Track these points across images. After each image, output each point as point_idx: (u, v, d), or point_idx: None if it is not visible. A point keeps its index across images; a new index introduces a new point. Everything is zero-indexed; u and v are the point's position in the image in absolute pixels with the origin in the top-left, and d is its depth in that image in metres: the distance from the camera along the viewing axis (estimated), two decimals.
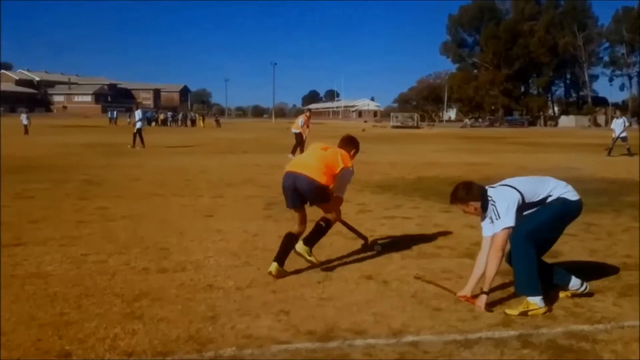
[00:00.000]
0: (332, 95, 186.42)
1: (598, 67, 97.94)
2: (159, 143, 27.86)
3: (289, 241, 5.64)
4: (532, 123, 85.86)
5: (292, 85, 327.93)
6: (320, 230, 5.85)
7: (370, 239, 6.68)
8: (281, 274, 5.37)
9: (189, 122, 64.81)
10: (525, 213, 4.60)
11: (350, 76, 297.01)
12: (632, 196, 10.74)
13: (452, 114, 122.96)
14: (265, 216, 8.53)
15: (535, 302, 4.39)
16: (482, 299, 4.51)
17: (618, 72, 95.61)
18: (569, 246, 6.62)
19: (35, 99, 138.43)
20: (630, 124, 24.46)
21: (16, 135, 33.84)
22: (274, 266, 5.37)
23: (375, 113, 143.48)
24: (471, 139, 39.52)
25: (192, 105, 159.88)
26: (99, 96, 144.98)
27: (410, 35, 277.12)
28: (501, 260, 4.47)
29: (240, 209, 9.32)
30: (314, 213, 5.95)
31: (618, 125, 22.91)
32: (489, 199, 4.57)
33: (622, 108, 70.90)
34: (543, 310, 4.39)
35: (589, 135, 44.61)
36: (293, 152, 19.08)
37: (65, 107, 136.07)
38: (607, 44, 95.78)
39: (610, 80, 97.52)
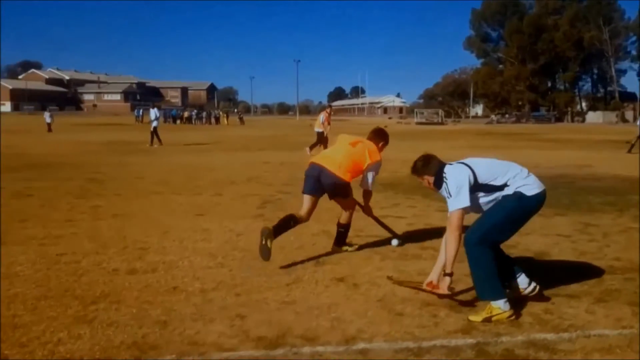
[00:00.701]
0: (357, 92, 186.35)
1: (626, 62, 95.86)
2: (178, 141, 28.01)
3: (288, 220, 5.80)
4: (559, 119, 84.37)
5: (317, 82, 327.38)
6: (342, 233, 6.28)
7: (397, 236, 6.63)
8: (270, 237, 5.44)
9: (213, 120, 65.03)
10: (482, 202, 4.38)
11: (375, 72, 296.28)
12: None
13: (479, 109, 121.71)
14: (256, 215, 8.40)
15: (499, 306, 4.17)
16: (445, 282, 4.33)
17: None
18: (559, 248, 6.39)
19: (65, 97, 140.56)
20: None
21: (39, 133, 34.30)
22: (269, 228, 5.50)
23: (400, 109, 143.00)
24: (493, 135, 38.98)
25: (219, 103, 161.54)
26: (128, 95, 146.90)
27: (435, 31, 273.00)
28: (460, 239, 4.25)
29: (234, 207, 9.21)
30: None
31: None
32: (444, 175, 4.36)
33: None
34: (508, 314, 4.18)
35: (614, 132, 43.61)
36: (311, 148, 18.88)
37: (95, 106, 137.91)
38: (634, 38, 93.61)
39: (639, 74, 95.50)
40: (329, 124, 20.26)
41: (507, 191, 4.32)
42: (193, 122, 64.60)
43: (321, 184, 5.83)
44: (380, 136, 6.22)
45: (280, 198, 9.83)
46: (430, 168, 4.49)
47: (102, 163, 16.40)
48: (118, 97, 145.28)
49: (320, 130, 19.93)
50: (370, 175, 6.03)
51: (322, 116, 20.44)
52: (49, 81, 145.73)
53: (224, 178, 13.02)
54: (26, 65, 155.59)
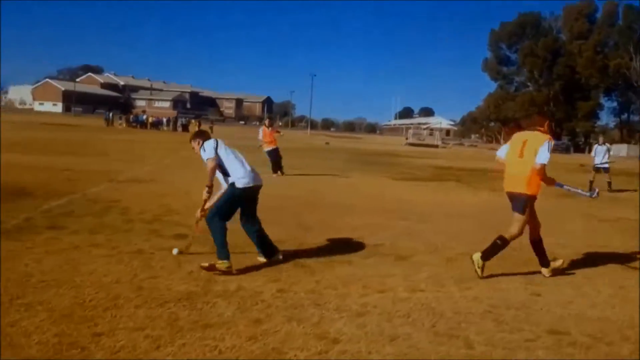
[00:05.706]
0: (427, 112, 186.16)
1: None
2: None
3: (500, 244, 6.20)
4: (580, 149, 79.34)
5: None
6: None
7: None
8: (482, 267, 6.11)
9: (179, 128, 65.47)
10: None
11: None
12: None
13: None
14: None
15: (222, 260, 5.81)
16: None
17: None
18: None
19: (118, 102, 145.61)
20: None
21: None
22: (477, 256, 6.12)
23: (447, 131, 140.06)
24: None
25: (264, 115, 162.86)
26: (177, 103, 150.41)
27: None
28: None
29: None
30: None
31: (599, 152, 19.05)
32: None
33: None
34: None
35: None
36: (274, 171, 16.88)
37: (144, 112, 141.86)
38: None
39: None
40: (271, 141, 17.42)
41: (230, 180, 6.13)
42: (161, 127, 67.50)
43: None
44: (543, 117, 6.52)
45: None
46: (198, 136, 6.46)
47: None
48: (167, 104, 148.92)
49: (269, 148, 17.31)
50: (541, 151, 6.09)
51: (260, 133, 17.81)
52: (104, 85, 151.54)
53: None
54: (86, 69, 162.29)
